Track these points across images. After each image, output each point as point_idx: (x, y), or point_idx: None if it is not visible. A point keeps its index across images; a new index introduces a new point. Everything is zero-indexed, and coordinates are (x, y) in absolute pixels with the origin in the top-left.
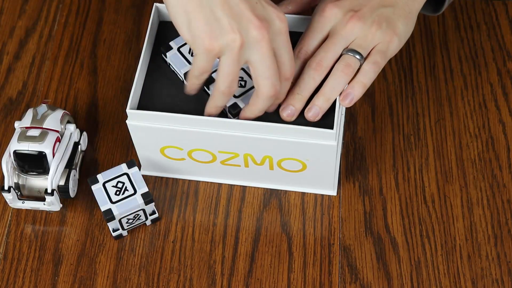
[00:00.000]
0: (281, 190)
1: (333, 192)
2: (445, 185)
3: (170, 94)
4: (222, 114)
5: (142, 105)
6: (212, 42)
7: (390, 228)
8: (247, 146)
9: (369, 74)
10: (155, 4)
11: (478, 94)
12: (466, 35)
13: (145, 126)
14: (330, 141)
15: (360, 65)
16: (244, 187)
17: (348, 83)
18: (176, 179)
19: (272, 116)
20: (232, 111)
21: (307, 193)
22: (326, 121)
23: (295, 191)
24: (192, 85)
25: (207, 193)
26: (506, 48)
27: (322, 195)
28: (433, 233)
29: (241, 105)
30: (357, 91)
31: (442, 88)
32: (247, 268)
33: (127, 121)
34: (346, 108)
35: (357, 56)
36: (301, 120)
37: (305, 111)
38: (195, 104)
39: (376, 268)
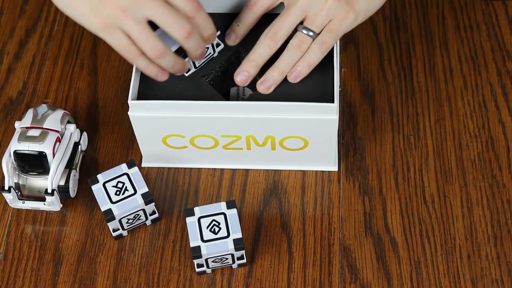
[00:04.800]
0: (283, 170)
1: (335, 168)
2: (445, 185)
3: (169, 84)
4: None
5: (142, 97)
6: (99, 20)
7: (390, 228)
8: (250, 128)
9: (315, 55)
10: None
11: (478, 94)
12: (466, 35)
13: (147, 116)
14: (332, 115)
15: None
16: (245, 186)
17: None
18: (176, 178)
19: (271, 95)
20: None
21: (309, 173)
22: (325, 95)
23: (297, 170)
24: (150, 70)
25: (207, 193)
26: (506, 48)
27: (323, 186)
28: (433, 233)
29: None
30: (303, 70)
31: (442, 88)
32: (247, 268)
33: (129, 113)
34: (346, 108)
35: (310, 34)
36: (301, 96)
37: (258, 83)
38: (193, 92)
39: (376, 268)
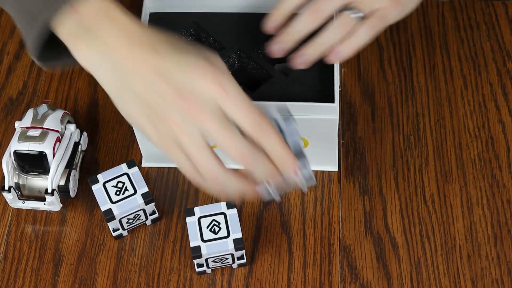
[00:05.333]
0: None
1: (335, 168)
2: (445, 185)
3: None
4: None
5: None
6: (157, 134)
7: (390, 228)
8: None
9: (363, 37)
10: None
11: (478, 94)
12: (466, 35)
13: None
14: (332, 115)
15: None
16: None
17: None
18: (176, 178)
19: (271, 95)
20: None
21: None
22: (325, 95)
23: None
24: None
25: (207, 193)
26: (506, 48)
27: (323, 189)
28: (433, 233)
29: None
30: (346, 51)
31: (442, 88)
32: (247, 268)
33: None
34: (346, 108)
35: (357, 15)
36: (301, 96)
37: (293, 57)
38: None
39: (376, 268)
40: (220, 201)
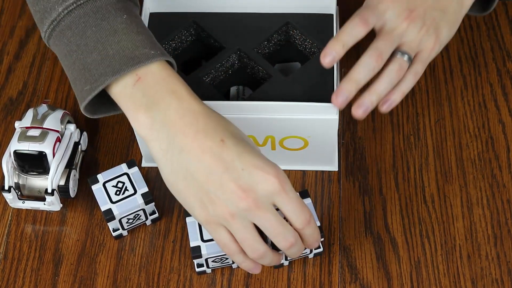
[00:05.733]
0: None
1: (335, 167)
2: (445, 185)
3: None
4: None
5: None
6: (206, 215)
7: (390, 228)
8: (250, 128)
9: (409, 84)
10: None
11: (478, 94)
12: (466, 35)
13: None
14: (332, 115)
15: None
16: None
17: None
18: None
19: (271, 95)
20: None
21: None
22: (325, 95)
23: (297, 170)
24: None
25: None
26: (506, 48)
27: (323, 183)
28: (433, 233)
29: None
30: (397, 98)
31: (442, 88)
32: None
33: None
34: (346, 109)
35: (408, 60)
36: (301, 96)
37: (354, 107)
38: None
39: (376, 268)
40: None
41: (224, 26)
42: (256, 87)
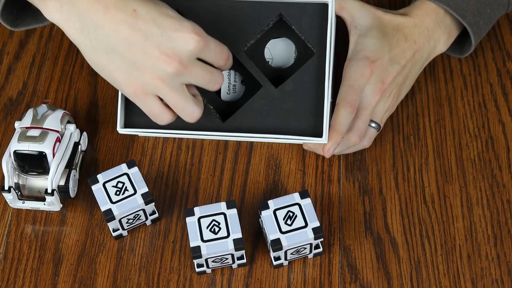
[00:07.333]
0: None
1: (324, 140)
2: (445, 185)
3: None
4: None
5: (133, 114)
6: (133, 86)
7: (390, 228)
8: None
9: (370, 141)
10: None
11: (478, 94)
12: None
13: (139, 132)
14: (322, 140)
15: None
16: (245, 186)
17: None
18: (176, 178)
19: (260, 114)
20: None
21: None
22: (316, 113)
23: (293, 145)
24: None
25: (207, 193)
26: (506, 48)
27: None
28: (433, 233)
29: None
30: (345, 152)
31: (442, 88)
32: (247, 268)
33: (118, 131)
34: None
35: (378, 129)
36: (291, 115)
37: (324, 150)
38: None
39: (376, 268)
40: (220, 201)
41: (210, 18)
42: (246, 83)
